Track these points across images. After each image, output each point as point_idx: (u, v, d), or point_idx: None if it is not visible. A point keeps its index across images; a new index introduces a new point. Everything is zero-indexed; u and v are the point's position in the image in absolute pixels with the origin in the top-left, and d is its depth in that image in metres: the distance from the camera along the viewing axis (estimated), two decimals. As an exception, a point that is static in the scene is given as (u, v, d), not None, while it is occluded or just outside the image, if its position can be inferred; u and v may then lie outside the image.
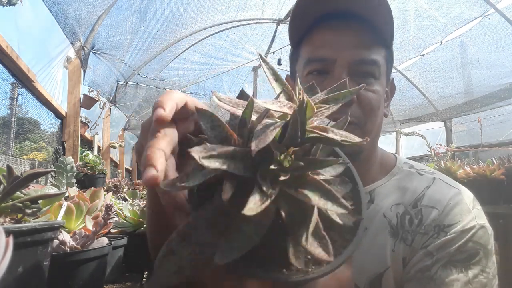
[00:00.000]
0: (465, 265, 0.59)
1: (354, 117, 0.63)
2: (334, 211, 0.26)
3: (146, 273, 1.47)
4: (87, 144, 4.35)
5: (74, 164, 1.49)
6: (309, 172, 0.27)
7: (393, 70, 0.77)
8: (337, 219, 0.30)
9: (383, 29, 0.66)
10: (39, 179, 1.90)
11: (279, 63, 5.03)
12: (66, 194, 1.16)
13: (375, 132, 0.69)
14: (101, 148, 4.99)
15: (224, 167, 0.25)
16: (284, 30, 5.11)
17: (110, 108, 5.18)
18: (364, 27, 0.65)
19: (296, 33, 0.71)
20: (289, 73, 0.81)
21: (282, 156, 0.26)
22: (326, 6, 0.66)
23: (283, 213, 0.25)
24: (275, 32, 5.11)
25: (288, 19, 4.77)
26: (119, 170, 6.21)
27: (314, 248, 0.25)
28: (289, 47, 0.77)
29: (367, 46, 0.65)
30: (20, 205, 0.60)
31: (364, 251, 0.64)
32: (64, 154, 2.88)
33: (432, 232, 0.62)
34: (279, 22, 4.84)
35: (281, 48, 4.91)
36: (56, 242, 0.79)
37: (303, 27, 0.69)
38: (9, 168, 0.60)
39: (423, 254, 0.61)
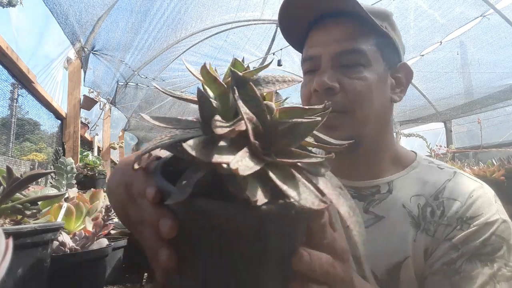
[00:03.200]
0: (490, 258, 0.59)
1: (339, 105, 0.65)
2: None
3: (146, 274, 1.47)
4: (87, 145, 4.35)
5: (74, 165, 1.49)
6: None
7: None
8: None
9: (366, 18, 0.67)
10: (39, 180, 1.89)
11: (279, 64, 5.03)
12: (66, 195, 1.16)
13: (375, 119, 0.68)
14: (101, 149, 4.99)
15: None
16: (284, 31, 5.11)
17: (110, 109, 5.18)
18: (351, 20, 0.68)
19: (296, 38, 0.76)
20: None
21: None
22: (314, 10, 0.70)
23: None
24: (275, 33, 5.11)
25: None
26: (119, 171, 6.20)
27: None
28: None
29: (349, 37, 0.67)
30: (20, 206, 0.60)
31: (382, 240, 0.65)
32: (64, 155, 2.88)
33: (455, 224, 0.62)
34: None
35: (281, 49, 4.91)
36: (56, 243, 0.79)
37: (299, 32, 0.74)
38: (8, 169, 0.60)
39: (448, 247, 0.61)
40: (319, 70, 0.69)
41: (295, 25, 0.73)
